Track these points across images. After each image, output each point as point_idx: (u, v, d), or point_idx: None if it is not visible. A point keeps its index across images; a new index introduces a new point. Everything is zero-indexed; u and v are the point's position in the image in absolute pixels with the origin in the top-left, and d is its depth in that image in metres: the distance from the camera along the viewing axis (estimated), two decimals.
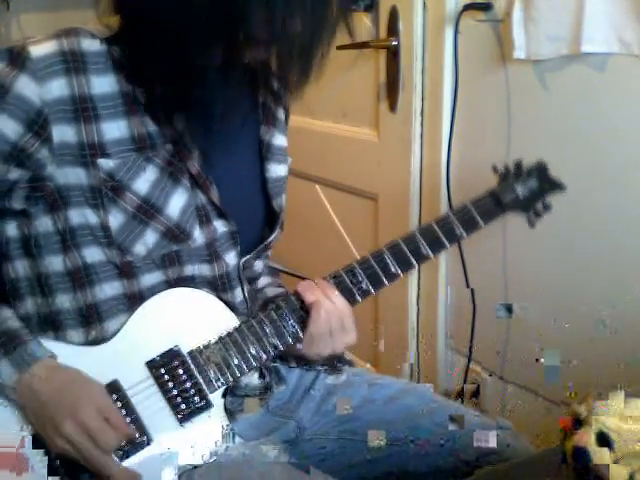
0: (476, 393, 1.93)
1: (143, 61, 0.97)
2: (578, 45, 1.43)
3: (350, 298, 1.11)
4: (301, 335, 1.09)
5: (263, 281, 1.27)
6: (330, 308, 1.09)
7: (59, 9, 2.63)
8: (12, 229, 1.02)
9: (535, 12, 1.49)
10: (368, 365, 2.23)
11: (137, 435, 1.02)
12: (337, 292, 1.10)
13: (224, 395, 1.06)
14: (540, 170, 1.21)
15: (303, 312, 1.10)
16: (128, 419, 1.01)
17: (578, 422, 0.85)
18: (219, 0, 0.88)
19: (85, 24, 1.02)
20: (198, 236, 1.05)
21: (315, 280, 1.12)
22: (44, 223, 1.00)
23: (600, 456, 0.81)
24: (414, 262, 1.13)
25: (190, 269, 1.05)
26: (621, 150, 1.47)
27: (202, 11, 0.89)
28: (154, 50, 0.95)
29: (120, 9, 0.98)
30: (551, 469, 0.87)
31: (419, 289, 2.02)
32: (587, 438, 0.82)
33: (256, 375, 1.15)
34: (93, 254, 1.01)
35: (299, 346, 1.11)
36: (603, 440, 0.82)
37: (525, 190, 1.20)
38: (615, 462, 0.82)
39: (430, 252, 1.14)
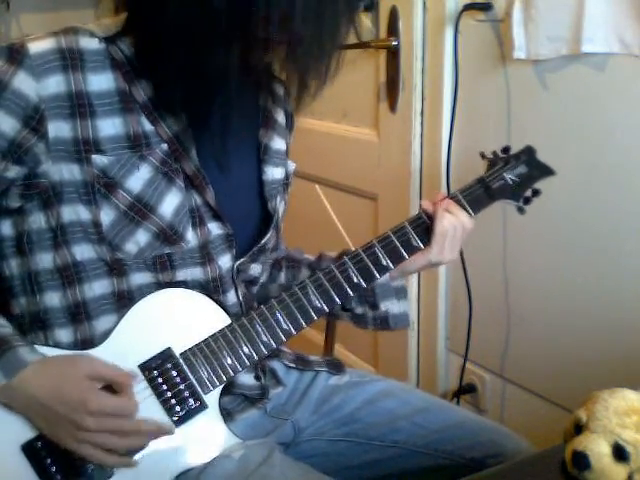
0: (472, 391, 1.93)
1: (157, 60, 0.96)
2: (578, 45, 1.43)
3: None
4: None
5: (306, 255, 1.30)
6: (452, 218, 1.13)
7: (59, 9, 2.63)
8: (7, 227, 1.02)
9: (535, 12, 1.48)
10: (368, 365, 2.23)
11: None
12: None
13: (220, 395, 1.05)
14: (529, 155, 1.20)
15: (428, 220, 1.14)
16: None
17: (578, 427, 0.85)
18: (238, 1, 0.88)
19: (85, 24, 1.02)
20: (191, 238, 1.04)
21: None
22: (37, 220, 1.00)
23: (615, 469, 0.81)
24: (405, 255, 1.14)
25: (182, 274, 1.05)
26: (621, 150, 1.46)
27: (221, 12, 0.89)
28: (171, 50, 0.94)
29: (135, 7, 0.98)
30: (551, 469, 0.86)
31: (419, 289, 2.01)
32: (587, 443, 0.82)
33: (252, 377, 1.14)
34: (83, 251, 1.01)
35: (428, 251, 1.14)
36: (620, 453, 0.81)
37: (514, 176, 1.18)
38: (630, 474, 0.81)
39: (421, 243, 1.14)
